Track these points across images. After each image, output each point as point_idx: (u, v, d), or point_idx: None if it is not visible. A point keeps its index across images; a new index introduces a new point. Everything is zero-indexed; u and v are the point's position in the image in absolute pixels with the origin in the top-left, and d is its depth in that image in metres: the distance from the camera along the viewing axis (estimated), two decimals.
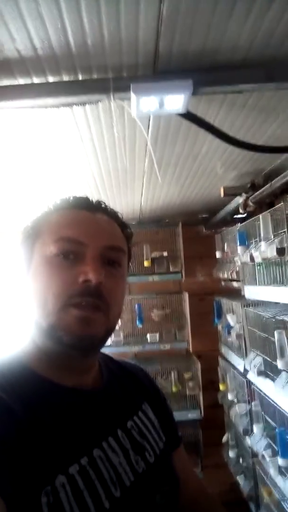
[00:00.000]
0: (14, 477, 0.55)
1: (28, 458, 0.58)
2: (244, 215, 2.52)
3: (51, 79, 1.10)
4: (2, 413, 0.60)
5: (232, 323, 2.64)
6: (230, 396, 2.77)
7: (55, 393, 0.69)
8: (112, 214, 0.79)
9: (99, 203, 0.79)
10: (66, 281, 0.68)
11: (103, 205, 0.79)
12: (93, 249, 0.70)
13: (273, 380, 1.92)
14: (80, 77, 1.11)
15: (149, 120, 1.40)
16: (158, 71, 1.10)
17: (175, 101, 1.11)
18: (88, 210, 0.75)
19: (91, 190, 2.25)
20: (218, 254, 3.07)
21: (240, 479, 2.70)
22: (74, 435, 0.66)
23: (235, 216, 2.84)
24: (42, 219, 0.76)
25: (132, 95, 1.08)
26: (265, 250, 1.80)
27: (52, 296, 0.68)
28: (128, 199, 2.55)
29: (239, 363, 2.54)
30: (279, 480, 1.91)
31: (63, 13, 0.86)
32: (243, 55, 1.06)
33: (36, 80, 1.10)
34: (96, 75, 1.10)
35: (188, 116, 1.25)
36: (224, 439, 3.05)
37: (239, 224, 2.40)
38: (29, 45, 0.96)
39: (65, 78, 1.10)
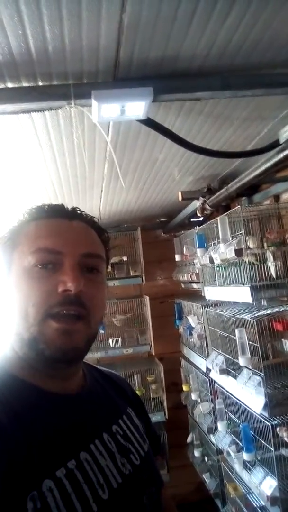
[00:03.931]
0: (0, 485, 0.54)
1: (13, 465, 0.57)
2: (201, 218, 2.59)
3: (10, 85, 1.09)
4: None
5: (193, 324, 2.69)
6: (193, 396, 2.82)
7: (40, 398, 0.68)
8: (88, 220, 0.78)
9: (74, 210, 0.78)
10: (45, 291, 0.67)
11: (79, 212, 0.78)
12: (71, 257, 0.69)
13: (235, 377, 1.98)
14: (40, 84, 1.10)
15: (109, 126, 1.41)
16: (118, 78, 1.11)
17: (136, 108, 1.13)
18: (65, 218, 0.74)
19: (49, 196, 2.22)
20: (177, 257, 3.12)
21: (206, 477, 2.75)
22: (60, 439, 0.65)
23: (191, 220, 2.91)
24: (19, 229, 0.74)
25: (94, 102, 1.09)
26: (224, 251, 1.85)
27: (32, 307, 0.67)
28: (87, 204, 2.54)
29: (201, 362, 2.59)
30: (244, 474, 1.97)
31: (25, 21, 0.85)
32: (200, 63, 1.10)
33: None
34: (56, 81, 1.10)
35: (149, 122, 1.27)
36: (189, 439, 3.10)
37: (197, 227, 2.45)
38: None
39: (25, 84, 1.10)
